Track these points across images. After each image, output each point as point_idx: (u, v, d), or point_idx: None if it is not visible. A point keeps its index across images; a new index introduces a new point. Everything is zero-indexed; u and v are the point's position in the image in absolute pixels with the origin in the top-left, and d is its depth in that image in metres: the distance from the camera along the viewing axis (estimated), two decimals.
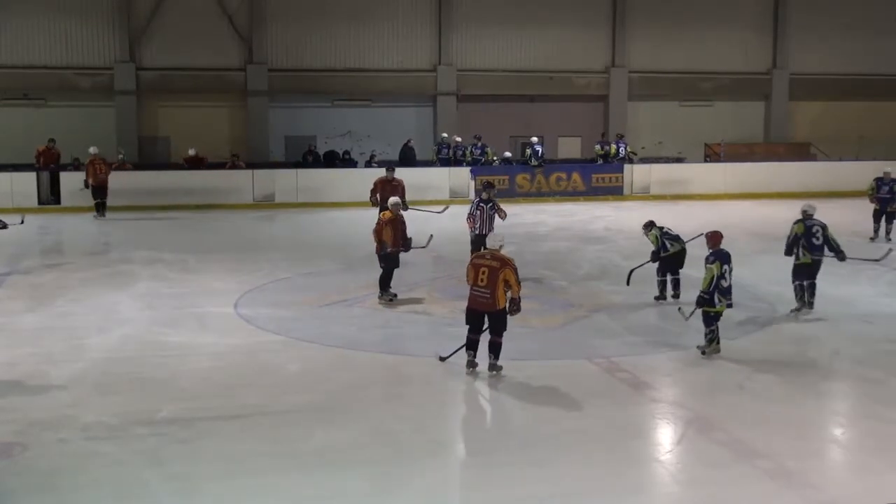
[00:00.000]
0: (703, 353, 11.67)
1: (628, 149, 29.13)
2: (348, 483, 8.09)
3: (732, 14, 33.03)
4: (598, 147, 29.26)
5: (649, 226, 14.77)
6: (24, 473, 8.29)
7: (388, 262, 14.55)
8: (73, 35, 28.83)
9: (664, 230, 14.68)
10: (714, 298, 11.49)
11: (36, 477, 8.21)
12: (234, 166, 27.13)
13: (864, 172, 28.57)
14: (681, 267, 14.53)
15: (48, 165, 25.54)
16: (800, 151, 32.35)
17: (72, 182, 25.12)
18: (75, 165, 25.91)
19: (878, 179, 20.21)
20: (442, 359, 11.45)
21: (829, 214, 19.79)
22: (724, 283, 11.50)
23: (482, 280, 10.78)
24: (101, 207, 23.67)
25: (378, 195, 18.09)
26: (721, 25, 32.89)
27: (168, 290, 15.62)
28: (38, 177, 25.11)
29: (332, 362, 11.66)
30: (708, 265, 11.55)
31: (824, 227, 14.11)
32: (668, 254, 14.47)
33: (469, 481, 8.46)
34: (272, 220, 24.42)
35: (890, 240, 19.74)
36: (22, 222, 17.66)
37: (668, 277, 14.65)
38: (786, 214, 24.32)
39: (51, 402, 10.04)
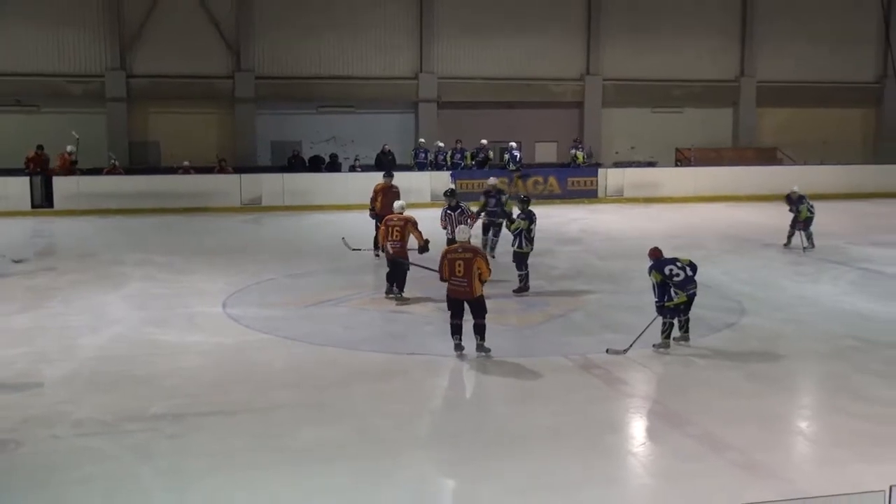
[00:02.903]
0: (654, 346, 11.78)
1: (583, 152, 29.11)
2: (334, 477, 8.08)
3: (702, 24, 33.21)
4: (572, 152, 29.33)
5: (516, 214, 15.60)
6: (18, 469, 8.26)
7: (403, 263, 14.58)
8: (66, 43, 28.69)
9: (531, 230, 15.35)
10: (670, 292, 11.63)
11: (30, 472, 8.18)
12: (221, 170, 27.06)
13: (827, 176, 28.93)
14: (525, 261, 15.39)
15: (37, 171, 25.39)
16: (767, 156, 32.55)
17: (66, 186, 25.05)
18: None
19: (787, 197, 19.81)
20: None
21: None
22: (677, 279, 11.63)
23: (459, 271, 11.31)
24: None
25: (380, 202, 17.86)
26: (691, 35, 33.05)
27: (158, 290, 15.54)
28: (31, 181, 24.95)
29: (317, 360, 11.64)
30: (649, 276, 11.85)
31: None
32: (521, 251, 15.22)
33: (451, 475, 8.46)
34: (259, 223, 24.34)
35: (811, 246, 19.30)
36: None
37: (525, 271, 15.29)
38: (753, 217, 24.56)
39: (44, 400, 10.00)
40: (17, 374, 10.83)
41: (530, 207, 15.70)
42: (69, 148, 25.88)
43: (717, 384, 10.82)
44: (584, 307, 14.57)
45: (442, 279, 11.80)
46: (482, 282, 11.47)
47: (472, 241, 12.18)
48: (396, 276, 14.61)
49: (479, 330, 11.45)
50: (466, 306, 11.52)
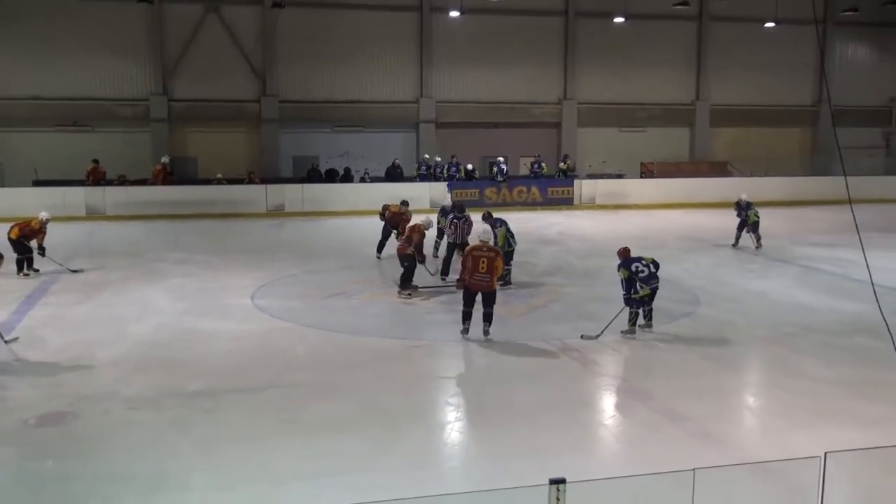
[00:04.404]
0: (622, 332, 11.80)
1: (544, 166, 28.84)
2: (346, 444, 8.09)
3: (662, 55, 33.18)
4: (561, 164, 29.32)
5: (494, 221, 15.21)
6: (75, 438, 8.27)
7: (411, 263, 14.53)
8: (116, 72, 28.64)
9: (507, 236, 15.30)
10: (636, 286, 11.69)
11: (85, 441, 8.19)
12: (250, 181, 27.10)
13: (771, 186, 28.96)
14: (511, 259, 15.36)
15: (98, 181, 25.50)
16: (719, 169, 32.53)
17: (115, 195, 25.09)
18: (120, 181, 25.91)
19: (736, 203, 19.73)
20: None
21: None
22: (642, 275, 11.70)
23: (483, 268, 11.51)
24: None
25: (388, 219, 17.76)
26: (653, 65, 33.02)
27: (195, 285, 15.54)
28: (87, 191, 24.95)
29: (331, 345, 11.64)
30: (618, 272, 11.92)
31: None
32: (510, 249, 15.26)
33: (447, 443, 8.47)
34: (282, 227, 24.30)
35: (760, 246, 19.32)
36: None
37: (510, 266, 15.28)
38: (708, 221, 24.57)
39: (97, 379, 10.01)
40: (73, 358, 10.82)
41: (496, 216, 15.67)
42: (164, 159, 26.68)
43: (676, 365, 10.84)
44: (562, 299, 14.57)
45: (460, 277, 12.02)
46: (497, 278, 11.82)
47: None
48: (405, 274, 14.55)
49: (489, 318, 11.64)
50: (478, 298, 11.65)
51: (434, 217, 17.45)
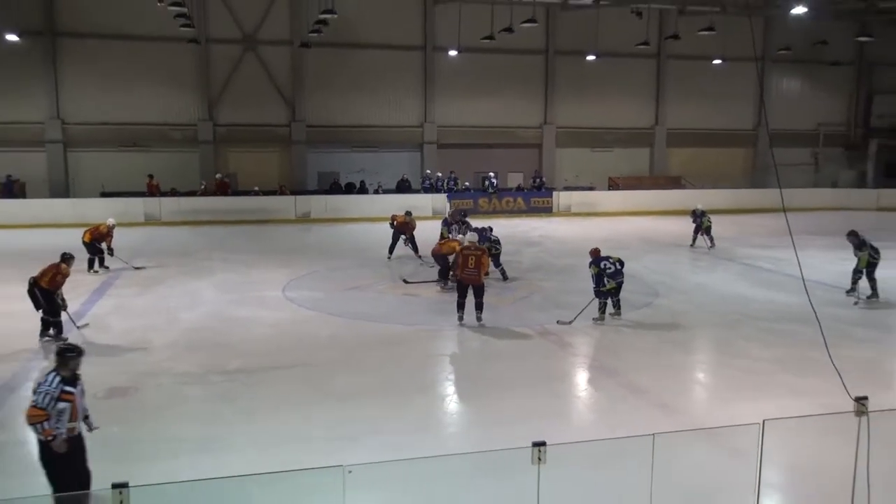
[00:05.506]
0: (593, 319, 11.81)
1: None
2: (361, 412, 8.11)
3: (627, 87, 33.11)
4: (530, 180, 29.48)
5: (480, 231, 14.75)
6: (136, 408, 8.30)
7: (445, 263, 14.41)
8: (169, 101, 28.55)
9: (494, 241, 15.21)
10: (604, 281, 11.71)
11: (145, 410, 8.21)
12: (281, 193, 27.12)
13: (718, 197, 28.93)
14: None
15: (153, 193, 25.57)
16: (674, 183, 32.49)
17: (169, 204, 25.11)
18: (173, 193, 25.94)
19: (692, 211, 19.77)
20: (406, 282, 13.56)
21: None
22: (609, 271, 11.72)
23: (472, 264, 11.54)
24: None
25: (397, 226, 17.70)
26: (619, 95, 32.97)
27: (236, 279, 15.53)
28: (145, 201, 24.98)
29: (351, 330, 11.65)
30: (589, 269, 11.93)
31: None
32: (498, 252, 15.16)
33: (445, 410, 8.49)
34: (308, 231, 24.28)
35: (713, 246, 19.28)
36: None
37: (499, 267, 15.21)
38: (665, 226, 24.56)
39: (154, 358, 10.03)
40: (134, 341, 10.85)
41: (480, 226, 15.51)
42: (217, 175, 26.99)
43: (638, 346, 10.86)
44: (541, 292, 14.57)
45: (454, 273, 12.05)
46: (485, 273, 11.83)
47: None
48: (441, 270, 14.49)
49: (480, 307, 11.65)
50: (471, 290, 11.65)
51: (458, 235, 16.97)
